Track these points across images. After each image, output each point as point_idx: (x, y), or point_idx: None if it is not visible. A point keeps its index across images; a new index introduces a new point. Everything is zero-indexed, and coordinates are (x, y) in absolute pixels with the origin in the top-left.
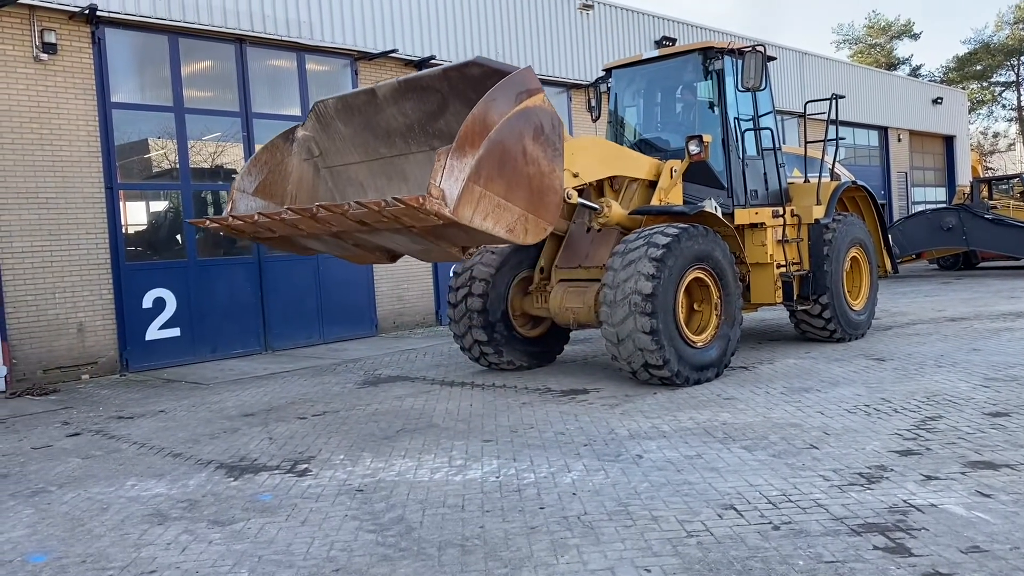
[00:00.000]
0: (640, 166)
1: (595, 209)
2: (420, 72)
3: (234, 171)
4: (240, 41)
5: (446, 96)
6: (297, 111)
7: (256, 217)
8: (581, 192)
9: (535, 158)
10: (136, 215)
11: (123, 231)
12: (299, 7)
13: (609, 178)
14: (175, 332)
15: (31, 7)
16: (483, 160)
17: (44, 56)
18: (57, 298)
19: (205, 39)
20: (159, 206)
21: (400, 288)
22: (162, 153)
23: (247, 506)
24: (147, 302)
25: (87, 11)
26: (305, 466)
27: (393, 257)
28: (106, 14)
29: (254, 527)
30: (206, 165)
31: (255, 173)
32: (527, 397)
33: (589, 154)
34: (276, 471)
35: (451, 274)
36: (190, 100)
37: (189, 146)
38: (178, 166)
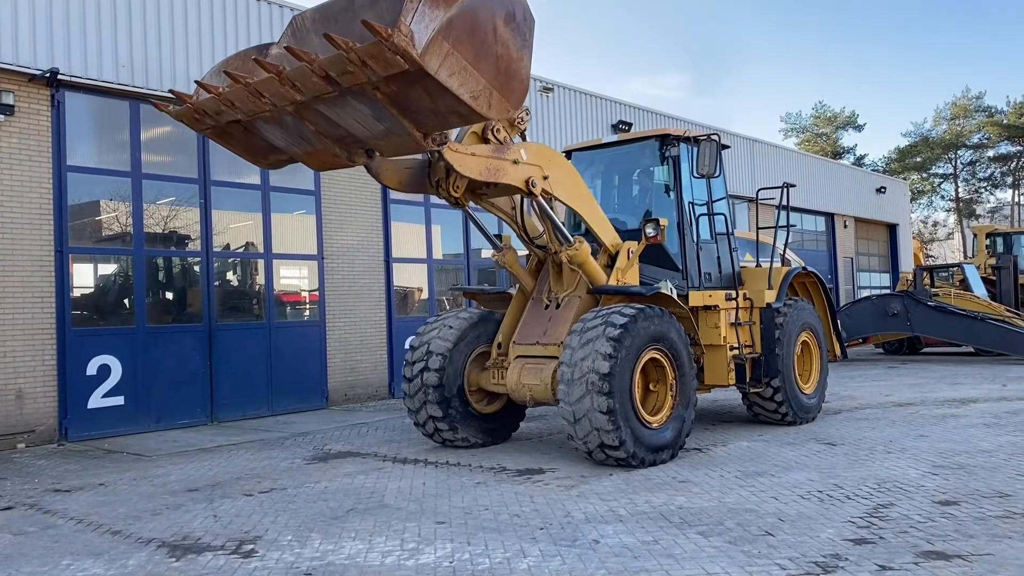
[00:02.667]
0: (606, 228)
1: (566, 238)
2: None
3: (188, 237)
4: None
5: None
6: (257, 179)
7: (221, 90)
8: (550, 202)
9: (505, 40)
10: (85, 279)
11: (71, 295)
12: None
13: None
14: (119, 400)
15: None
16: (455, 19)
17: (0, 117)
18: None
19: None
20: (109, 269)
21: (353, 359)
22: (113, 216)
23: None
24: (91, 369)
25: (48, 74)
26: (251, 546)
27: (351, 156)
28: (67, 78)
29: None
30: (159, 230)
31: (223, 78)
32: (481, 476)
33: (569, 177)
34: (220, 551)
35: (407, 347)
36: (148, 165)
37: (144, 209)
38: (131, 230)
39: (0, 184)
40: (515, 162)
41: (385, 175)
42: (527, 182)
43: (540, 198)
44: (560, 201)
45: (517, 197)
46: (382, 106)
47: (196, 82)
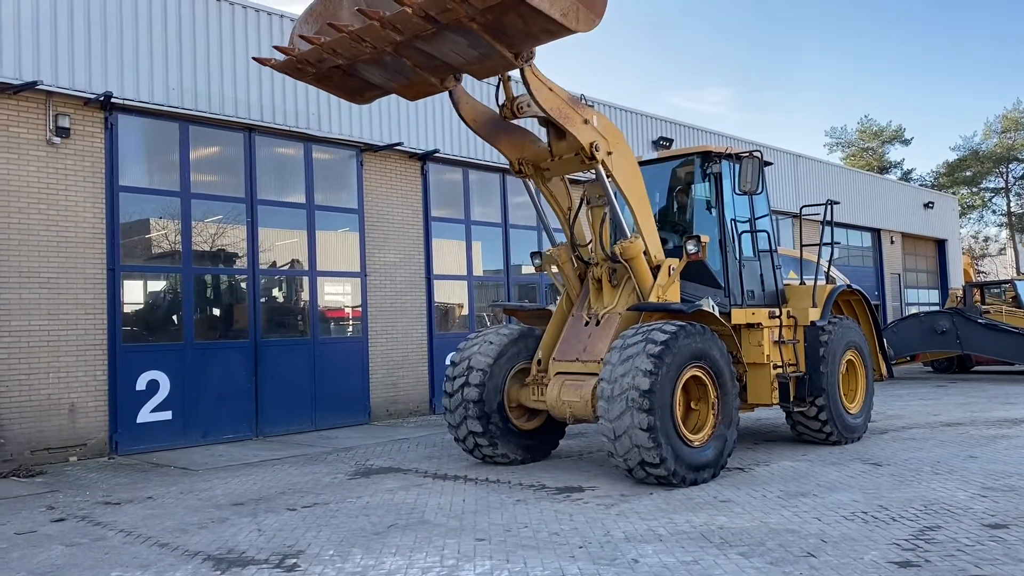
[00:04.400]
0: (653, 235)
1: (622, 229)
2: None
3: (235, 254)
4: (249, 130)
5: None
6: (302, 198)
7: (323, 39)
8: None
9: None
10: (135, 296)
11: (121, 312)
12: (308, 99)
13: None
14: (167, 415)
15: (48, 93)
16: None
17: (57, 140)
18: (51, 378)
19: (215, 127)
20: (158, 286)
21: (395, 375)
22: (163, 234)
23: None
24: (141, 384)
25: (102, 98)
26: (294, 561)
27: (444, 82)
28: (120, 101)
29: None
30: (207, 248)
31: (311, 23)
32: (521, 494)
33: (632, 167)
34: (264, 565)
35: (448, 363)
36: (197, 185)
37: (193, 228)
38: (180, 249)
39: (56, 204)
40: (586, 121)
41: (464, 108)
42: (591, 145)
43: (600, 167)
44: (617, 185)
45: (576, 197)
46: (477, 35)
47: (299, 35)
